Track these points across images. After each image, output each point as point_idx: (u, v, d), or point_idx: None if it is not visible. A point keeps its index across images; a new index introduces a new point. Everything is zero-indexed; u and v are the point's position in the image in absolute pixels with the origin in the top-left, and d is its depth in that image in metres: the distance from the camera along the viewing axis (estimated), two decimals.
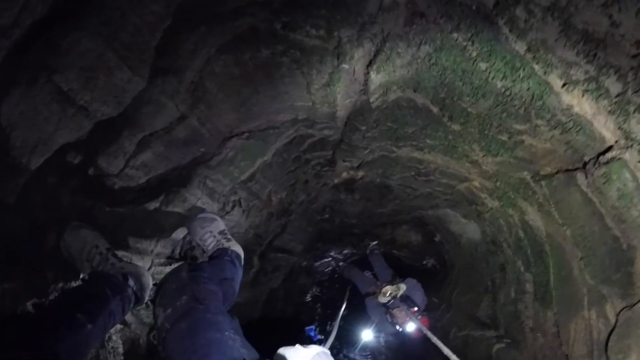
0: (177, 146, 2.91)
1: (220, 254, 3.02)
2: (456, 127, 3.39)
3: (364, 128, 3.60)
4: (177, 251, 3.53)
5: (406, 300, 5.70)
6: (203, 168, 3.25)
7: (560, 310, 3.80)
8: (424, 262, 7.97)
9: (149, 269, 3.15)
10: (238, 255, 3.08)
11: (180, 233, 3.39)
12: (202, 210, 3.36)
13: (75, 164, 2.40)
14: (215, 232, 3.19)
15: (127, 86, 2.28)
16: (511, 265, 4.78)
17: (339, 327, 5.20)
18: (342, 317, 5.76)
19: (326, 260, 7.91)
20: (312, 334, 5.91)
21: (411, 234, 7.28)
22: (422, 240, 7.29)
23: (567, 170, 3.22)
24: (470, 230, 5.60)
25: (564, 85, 2.55)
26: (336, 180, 4.92)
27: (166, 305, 2.09)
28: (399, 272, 7.08)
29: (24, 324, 1.86)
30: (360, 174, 4.86)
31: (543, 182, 3.51)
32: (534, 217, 3.96)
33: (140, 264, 3.04)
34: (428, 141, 3.75)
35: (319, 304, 8.24)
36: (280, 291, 6.51)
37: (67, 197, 2.48)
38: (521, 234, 4.32)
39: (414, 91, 3.14)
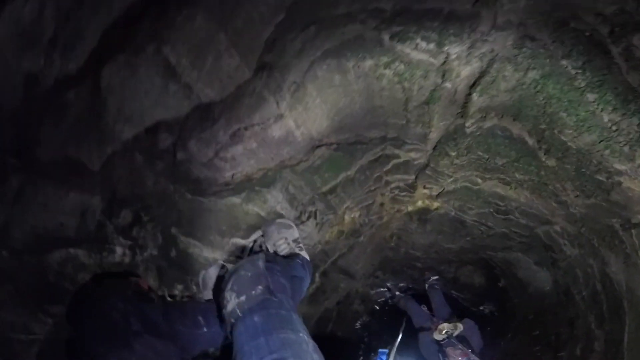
0: (270, 145, 2.85)
1: (292, 255, 2.99)
2: (551, 162, 3.17)
3: (453, 154, 3.45)
4: (247, 253, 3.46)
5: (462, 341, 5.37)
6: (289, 172, 3.18)
7: None
8: (482, 308, 7.53)
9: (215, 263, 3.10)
10: (308, 262, 3.02)
11: (254, 235, 3.33)
12: (281, 216, 3.30)
13: (166, 145, 2.35)
14: (290, 239, 3.14)
15: (233, 73, 2.24)
16: (582, 320, 4.40)
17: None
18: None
19: (382, 290, 7.65)
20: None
21: (475, 276, 6.92)
22: (486, 283, 6.91)
23: None
24: (540, 278, 5.24)
25: None
26: (411, 208, 4.75)
27: (240, 292, 2.04)
28: (456, 313, 6.73)
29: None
30: (436, 204, 4.67)
31: (634, 231, 3.21)
32: (616, 269, 3.63)
33: (209, 255, 3.00)
34: (517, 175, 3.54)
35: (366, 333, 7.93)
36: (334, 312, 6.31)
37: (151, 178, 2.43)
38: (599, 286, 3.97)
39: (514, 119, 2.97)
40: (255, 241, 3.39)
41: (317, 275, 4.92)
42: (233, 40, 2.14)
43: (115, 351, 1.80)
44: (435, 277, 7.08)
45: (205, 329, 2.29)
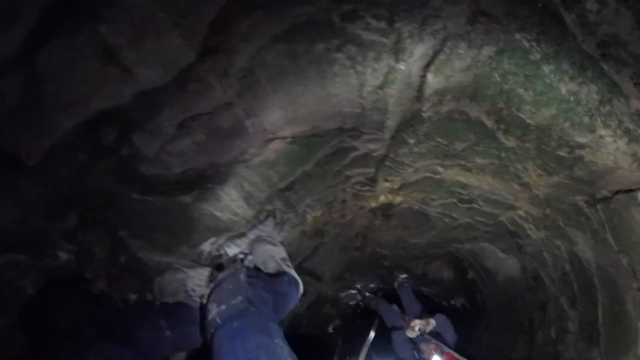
0: (219, 137, 2.63)
1: (279, 273, 3.02)
2: (511, 142, 3.05)
3: (412, 141, 3.29)
4: (204, 257, 3.22)
5: (435, 336, 5.22)
6: (243, 167, 2.97)
7: (609, 350, 3.35)
8: (453, 302, 7.43)
9: (169, 267, 2.86)
10: (295, 280, 3.06)
11: (209, 246, 3.12)
12: (237, 215, 3.12)
13: (110, 139, 2.13)
14: (278, 257, 3.17)
15: (175, 55, 2.02)
16: (553, 303, 4.32)
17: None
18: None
19: (352, 292, 7.47)
20: None
21: (443, 270, 6.81)
22: (454, 277, 6.81)
23: (628, 191, 2.86)
24: (508, 266, 5.16)
25: (636, 84, 2.24)
26: (374, 204, 4.59)
27: (220, 302, 2.10)
28: (427, 309, 6.64)
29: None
30: (399, 198, 4.52)
31: (599, 206, 3.14)
32: (583, 248, 3.56)
33: (162, 260, 2.77)
34: (478, 160, 3.41)
35: (340, 336, 7.73)
36: (304, 319, 6.09)
37: (95, 177, 2.21)
38: (568, 267, 3.90)
39: (470, 101, 2.83)
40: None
41: None
42: (175, 20, 1.93)
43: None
44: (404, 276, 6.96)
45: (168, 333, 2.24)
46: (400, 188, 4.14)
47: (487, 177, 3.65)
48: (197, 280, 3.02)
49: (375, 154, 3.54)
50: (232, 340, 1.85)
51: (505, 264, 5.15)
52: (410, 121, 3.08)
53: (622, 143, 2.55)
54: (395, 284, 6.86)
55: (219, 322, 1.99)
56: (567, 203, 3.42)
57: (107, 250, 2.51)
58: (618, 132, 2.51)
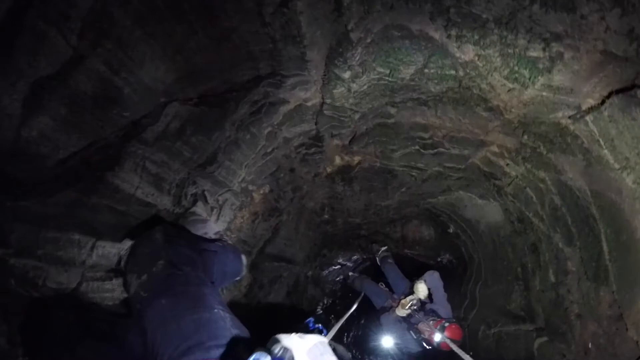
0: (86, 107, 1.85)
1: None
2: (469, 53, 2.31)
3: (347, 76, 2.51)
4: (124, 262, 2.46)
5: (429, 313, 4.48)
6: (136, 144, 2.19)
7: (622, 287, 2.66)
8: (439, 259, 6.74)
9: (79, 284, 2.09)
10: (230, 244, 2.69)
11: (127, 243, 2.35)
12: (148, 205, 2.41)
13: None
14: (211, 233, 2.72)
15: None
16: (546, 244, 3.63)
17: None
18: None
19: (335, 268, 6.73)
20: (311, 325, 4.71)
21: (422, 229, 6.10)
22: (435, 234, 6.11)
23: (623, 90, 2.13)
24: (489, 212, 4.45)
25: None
26: (330, 169, 3.84)
27: (140, 272, 1.79)
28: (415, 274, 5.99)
29: None
30: (357, 158, 3.78)
31: (589, 118, 2.41)
32: (573, 175, 2.86)
33: (64, 279, 2.02)
34: (432, 88, 2.66)
35: (332, 316, 7.03)
36: (285, 306, 5.35)
37: None
38: (557, 200, 3.20)
39: (407, 3, 2.08)
40: None
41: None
42: None
43: (56, 357, 1.58)
44: (384, 248, 6.16)
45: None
46: (352, 143, 3.38)
47: (448, 109, 2.91)
48: None
49: (309, 103, 2.76)
50: (166, 325, 1.54)
51: (486, 210, 4.45)
52: (337, 49, 2.32)
53: (611, 18, 1.83)
54: (377, 260, 6.12)
55: (144, 294, 1.70)
56: (547, 123, 2.70)
57: None
58: (606, 4, 1.79)
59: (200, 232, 2.66)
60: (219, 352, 1.44)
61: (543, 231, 3.59)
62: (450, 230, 5.63)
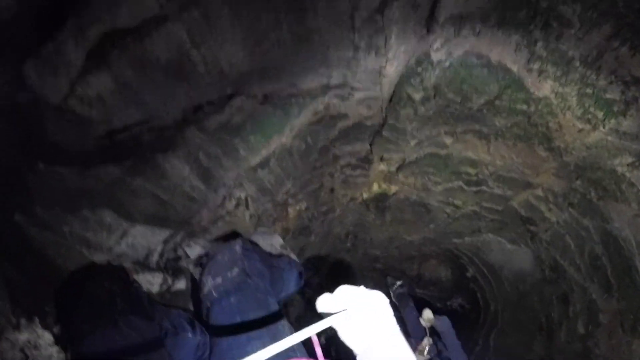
0: (155, 75, 1.72)
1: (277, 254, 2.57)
2: (545, 89, 2.20)
3: (418, 97, 2.39)
4: (155, 258, 2.28)
5: (438, 341, 4.21)
6: (195, 130, 2.05)
7: None
8: (450, 302, 6.45)
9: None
10: (295, 261, 2.58)
11: (159, 244, 2.19)
12: (193, 200, 2.30)
13: None
14: (277, 245, 2.62)
15: None
16: (579, 294, 3.45)
17: None
18: None
19: None
20: None
21: (440, 269, 5.86)
22: (452, 276, 5.88)
23: None
24: (517, 258, 4.25)
25: None
26: (366, 195, 3.68)
27: (216, 275, 1.89)
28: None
29: None
30: (395, 187, 3.62)
31: None
32: (620, 225, 2.74)
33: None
34: (498, 121, 2.53)
35: (333, 346, 6.70)
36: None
37: None
38: (598, 250, 3.05)
39: (499, 26, 1.98)
40: (165, 243, 2.28)
41: None
42: None
43: (100, 328, 1.49)
44: (400, 283, 5.85)
45: (190, 335, 1.88)
46: (399, 170, 3.23)
47: (504, 146, 2.77)
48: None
49: (369, 122, 2.64)
50: (232, 316, 1.68)
51: (514, 256, 4.25)
52: (416, 68, 2.20)
53: None
54: (392, 294, 5.77)
55: (215, 295, 1.79)
56: (604, 169, 2.57)
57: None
58: None
59: (267, 244, 2.58)
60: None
61: (577, 281, 3.41)
62: (469, 274, 5.39)
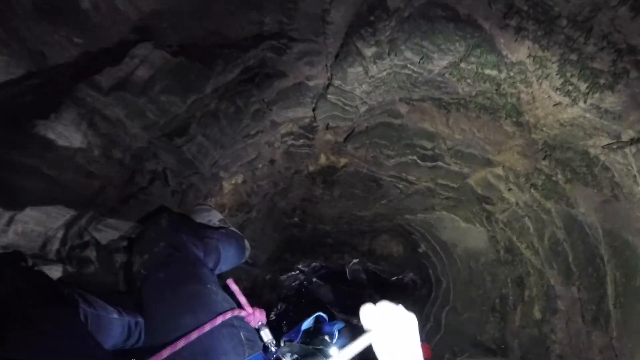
0: (22, 16, 1.19)
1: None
2: (521, 52, 1.78)
3: (370, 53, 1.89)
4: (54, 247, 1.77)
5: None
6: (86, 88, 1.54)
7: (625, 334, 2.36)
8: (401, 277, 6.22)
9: None
10: (233, 231, 2.41)
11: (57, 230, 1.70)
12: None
13: None
14: (215, 220, 2.44)
15: None
16: (535, 278, 3.20)
17: None
18: None
19: (294, 273, 6.10)
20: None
21: (392, 245, 5.56)
22: (404, 252, 5.60)
23: None
24: (471, 237, 3.97)
25: None
26: (312, 167, 3.23)
27: (143, 252, 1.75)
28: (375, 290, 5.43)
29: None
30: (344, 160, 3.19)
31: (629, 150, 1.97)
32: (586, 210, 2.44)
33: None
34: (461, 89, 2.10)
35: (284, 322, 6.39)
36: None
37: None
38: (560, 235, 2.77)
39: None
40: (68, 227, 1.83)
41: None
42: None
43: (11, 333, 1.18)
44: (355, 261, 5.65)
45: (115, 315, 1.67)
46: (347, 140, 2.78)
47: (465, 119, 2.37)
48: None
49: (312, 82, 2.15)
50: (162, 292, 1.57)
51: (468, 235, 3.96)
52: (368, 15, 1.73)
53: None
54: (347, 272, 5.55)
55: (144, 272, 1.67)
56: (575, 150, 2.22)
57: None
58: None
59: (205, 221, 2.37)
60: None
61: (534, 265, 3.14)
62: (421, 250, 5.11)
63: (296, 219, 4.25)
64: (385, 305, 0.96)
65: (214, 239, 2.17)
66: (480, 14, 1.74)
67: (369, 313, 0.94)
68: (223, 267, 2.22)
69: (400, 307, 0.98)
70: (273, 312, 6.15)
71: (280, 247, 4.80)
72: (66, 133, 1.58)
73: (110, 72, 1.55)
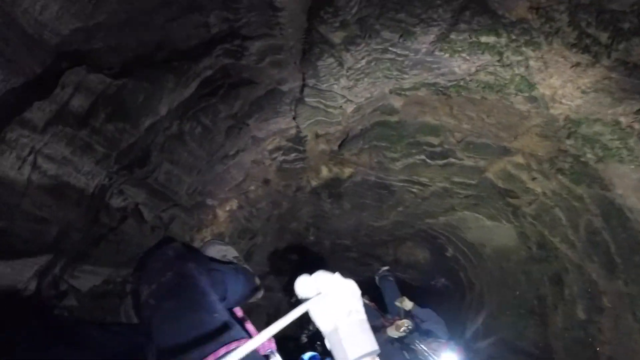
0: None
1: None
2: (521, 6, 1.42)
3: (338, 39, 1.56)
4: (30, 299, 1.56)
5: (426, 333, 3.58)
6: (18, 128, 1.29)
7: None
8: (433, 283, 5.77)
9: None
10: (244, 268, 1.83)
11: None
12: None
13: None
14: (230, 256, 1.85)
15: None
16: (575, 274, 2.78)
17: None
18: None
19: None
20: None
21: (417, 252, 5.15)
22: (431, 257, 5.16)
23: None
24: (498, 235, 3.56)
25: None
26: (314, 182, 2.90)
27: (150, 282, 1.26)
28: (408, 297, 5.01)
29: None
30: (348, 170, 2.84)
31: None
32: (624, 191, 2.04)
33: None
34: (457, 67, 1.74)
35: (318, 343, 6.00)
36: None
37: None
38: (597, 223, 2.37)
39: None
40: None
41: None
42: None
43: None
44: (386, 268, 5.23)
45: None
46: (342, 147, 2.44)
47: (470, 103, 2.00)
48: None
49: (285, 86, 1.84)
50: (170, 322, 1.18)
51: (495, 233, 3.54)
52: None
53: None
54: (377, 278, 5.16)
55: (152, 302, 1.22)
56: (604, 122, 1.82)
57: None
58: None
59: (218, 255, 2.06)
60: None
61: (572, 260, 2.72)
62: (448, 254, 4.67)
63: (312, 238, 3.93)
64: (320, 274, 0.88)
65: (220, 271, 2.06)
66: None
67: (304, 283, 0.88)
68: (231, 301, 2.04)
69: (337, 275, 0.88)
70: (304, 334, 5.78)
71: (299, 267, 4.45)
72: (6, 181, 1.32)
73: (41, 106, 1.28)
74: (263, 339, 0.73)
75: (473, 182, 2.88)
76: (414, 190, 3.10)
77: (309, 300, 0.87)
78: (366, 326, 0.89)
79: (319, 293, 0.89)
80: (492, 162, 2.59)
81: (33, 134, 1.37)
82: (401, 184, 3.02)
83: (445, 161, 2.60)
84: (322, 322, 0.89)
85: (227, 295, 2.06)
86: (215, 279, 1.97)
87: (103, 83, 1.45)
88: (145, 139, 1.64)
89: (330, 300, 0.90)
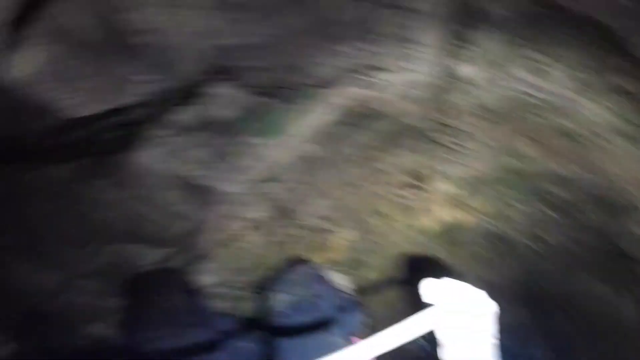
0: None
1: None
2: None
3: (478, 79, 1.58)
4: None
5: None
6: (165, 129, 1.51)
7: None
8: (527, 350, 5.08)
9: None
10: (357, 301, 2.31)
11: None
12: None
13: None
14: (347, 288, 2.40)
15: None
16: None
17: None
18: None
19: None
20: None
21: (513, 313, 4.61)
22: (531, 322, 4.54)
23: None
24: (610, 304, 2.99)
25: None
26: (428, 222, 2.82)
27: (288, 292, 1.83)
28: None
29: None
30: (471, 217, 2.70)
31: None
32: None
33: None
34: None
35: None
36: None
37: None
38: None
39: None
40: None
41: None
42: None
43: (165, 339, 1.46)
44: None
45: (246, 343, 1.76)
46: (470, 190, 2.34)
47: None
48: None
49: (415, 121, 1.86)
50: (303, 338, 1.69)
51: (604, 301, 2.99)
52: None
53: None
54: None
55: (288, 312, 1.76)
56: None
57: None
58: None
59: (337, 282, 2.34)
60: None
61: None
62: (553, 322, 4.09)
63: None
64: (449, 281, 0.84)
65: (345, 299, 2.18)
66: None
67: (431, 288, 0.84)
68: (346, 329, 2.13)
69: (469, 285, 0.82)
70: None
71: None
72: (152, 172, 1.55)
73: (190, 110, 1.50)
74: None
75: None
76: (537, 247, 2.84)
77: (434, 308, 0.79)
78: (492, 353, 0.81)
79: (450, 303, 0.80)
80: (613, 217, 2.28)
81: (181, 135, 1.58)
82: (519, 236, 2.78)
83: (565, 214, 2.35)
84: (445, 337, 0.81)
85: (345, 323, 2.07)
86: (341, 305, 2.05)
87: (246, 99, 1.63)
88: (277, 156, 1.81)
89: (461, 315, 0.80)
